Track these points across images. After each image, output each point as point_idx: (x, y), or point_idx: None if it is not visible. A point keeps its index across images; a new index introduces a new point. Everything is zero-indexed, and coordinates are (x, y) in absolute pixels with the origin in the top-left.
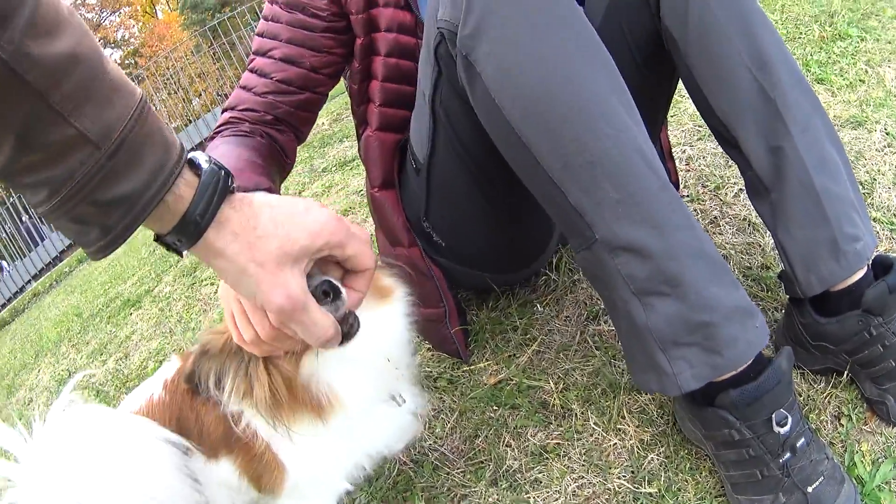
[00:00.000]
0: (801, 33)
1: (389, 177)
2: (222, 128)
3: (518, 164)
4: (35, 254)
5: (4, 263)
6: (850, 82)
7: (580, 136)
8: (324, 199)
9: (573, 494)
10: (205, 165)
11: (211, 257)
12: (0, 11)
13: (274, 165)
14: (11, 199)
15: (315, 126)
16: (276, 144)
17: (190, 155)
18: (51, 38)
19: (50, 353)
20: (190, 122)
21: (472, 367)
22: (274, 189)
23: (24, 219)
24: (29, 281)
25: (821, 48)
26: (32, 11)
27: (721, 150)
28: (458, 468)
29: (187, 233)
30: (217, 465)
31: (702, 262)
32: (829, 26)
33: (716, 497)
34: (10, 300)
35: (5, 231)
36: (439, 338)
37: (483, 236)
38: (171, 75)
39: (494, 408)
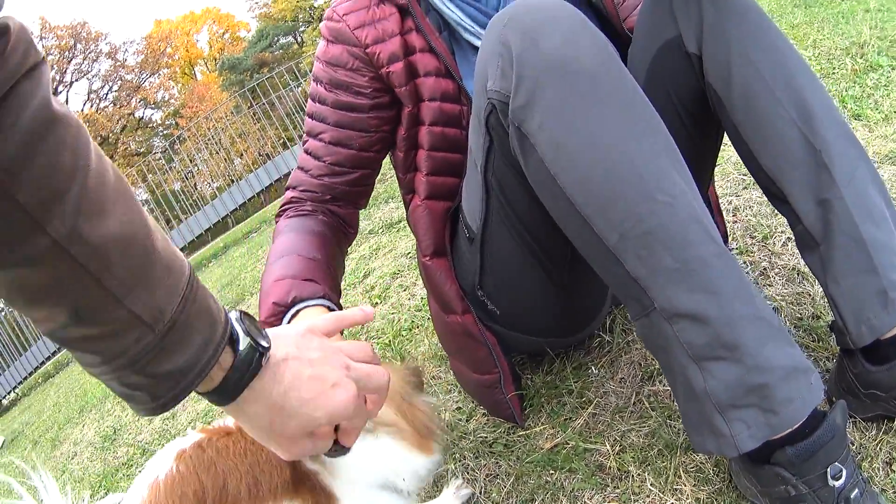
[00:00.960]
0: (834, 68)
1: (440, 245)
2: (287, 206)
3: (574, 233)
4: None
5: None
6: (886, 115)
7: (636, 206)
8: (371, 262)
9: None
10: (242, 345)
11: (238, 418)
12: (52, 190)
13: (337, 241)
14: None
15: None
16: (338, 219)
17: (231, 326)
18: (101, 217)
19: (95, 409)
20: (232, 181)
21: (528, 431)
22: (328, 293)
23: None
24: None
25: (854, 82)
26: (82, 188)
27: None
28: None
29: (219, 400)
30: None
31: (757, 324)
32: (861, 58)
33: None
34: (54, 353)
35: None
36: (494, 403)
37: (538, 303)
38: (212, 136)
39: (551, 471)
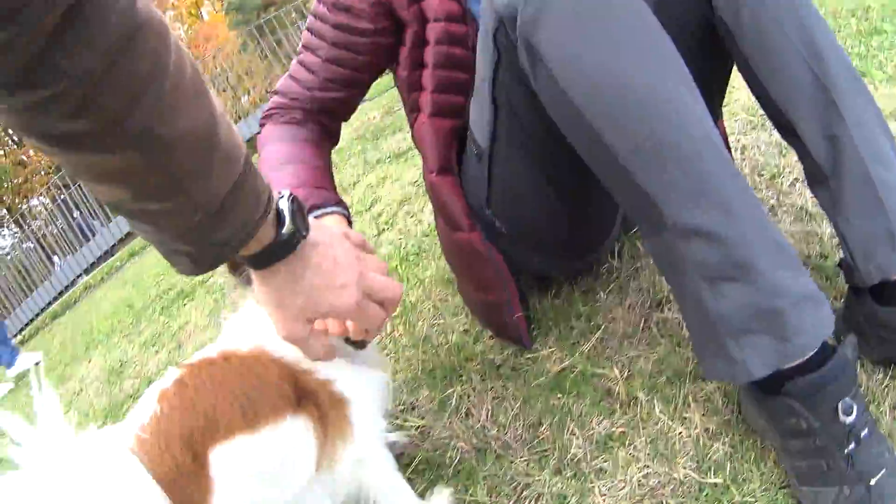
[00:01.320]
0: (839, 27)
1: (446, 161)
2: (272, 112)
3: (585, 148)
4: (87, 248)
5: (57, 258)
6: (890, 76)
7: (648, 120)
8: (378, 190)
9: (639, 484)
10: (285, 227)
11: (258, 283)
12: (131, 95)
13: (328, 152)
14: (63, 196)
15: (368, 119)
16: (324, 129)
17: (280, 206)
18: (173, 116)
19: (101, 345)
20: (239, 118)
21: (536, 354)
22: (342, 201)
23: (75, 214)
24: (80, 274)
25: (860, 41)
26: (159, 90)
27: (775, 139)
28: (522, 457)
29: (251, 265)
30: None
31: (770, 248)
32: (865, 20)
33: (780, 489)
34: (61, 293)
35: (57, 227)
36: (501, 324)
37: (546, 223)
38: (218, 73)
39: (558, 395)
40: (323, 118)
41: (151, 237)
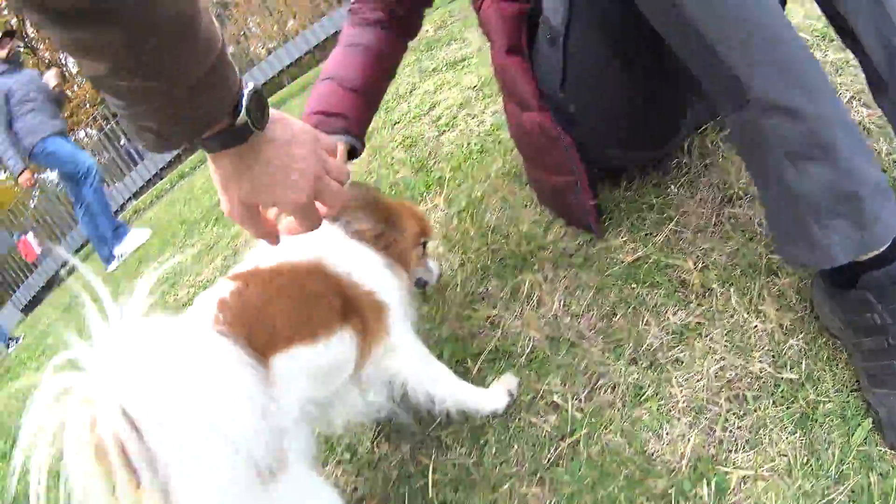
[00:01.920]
0: None
1: (515, 42)
2: (354, 5)
3: (667, 25)
4: (135, 172)
5: (105, 186)
6: None
7: None
8: (436, 96)
9: (715, 376)
10: (239, 119)
11: (211, 161)
12: None
13: (389, 58)
14: (109, 125)
15: (420, 33)
16: (399, 25)
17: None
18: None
19: (153, 260)
20: (287, 38)
21: (608, 244)
22: (351, 128)
23: (122, 142)
24: (129, 199)
25: None
26: None
27: (831, 58)
28: (596, 346)
29: (205, 149)
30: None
31: (850, 132)
32: None
33: (852, 391)
34: None
35: (104, 157)
36: (570, 209)
37: (619, 106)
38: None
39: (633, 285)
40: (400, 9)
41: (123, 111)
